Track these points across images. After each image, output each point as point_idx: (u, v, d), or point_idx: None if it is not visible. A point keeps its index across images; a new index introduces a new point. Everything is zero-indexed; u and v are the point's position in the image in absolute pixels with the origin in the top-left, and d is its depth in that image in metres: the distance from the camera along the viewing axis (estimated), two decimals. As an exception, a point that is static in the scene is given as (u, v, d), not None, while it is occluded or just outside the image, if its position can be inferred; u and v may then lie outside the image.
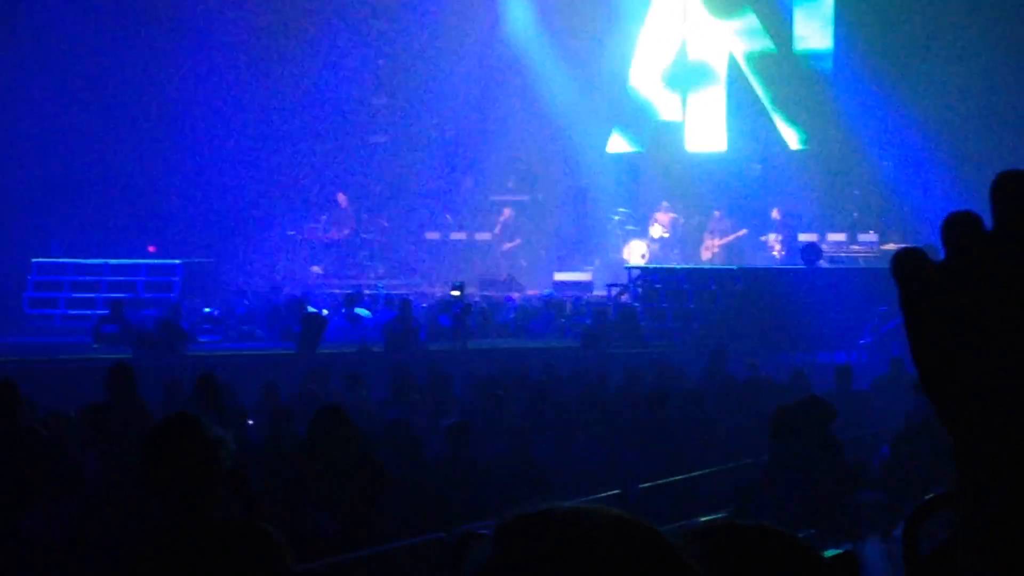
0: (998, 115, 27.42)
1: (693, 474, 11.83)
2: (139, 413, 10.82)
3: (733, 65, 30.50)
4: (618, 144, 31.25)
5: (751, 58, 30.36)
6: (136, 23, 28.62)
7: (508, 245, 29.47)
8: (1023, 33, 27.28)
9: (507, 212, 29.71)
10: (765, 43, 30.19)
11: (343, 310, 23.09)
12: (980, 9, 27.42)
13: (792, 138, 30.09)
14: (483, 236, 30.10)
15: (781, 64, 30.14)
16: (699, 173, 29.53)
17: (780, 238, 27.51)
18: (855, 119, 29.09)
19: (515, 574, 1.34)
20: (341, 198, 29.78)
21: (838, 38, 29.71)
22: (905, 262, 1.46)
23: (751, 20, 30.20)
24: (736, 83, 30.48)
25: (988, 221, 1.56)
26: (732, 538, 1.75)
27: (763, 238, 27.82)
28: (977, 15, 27.42)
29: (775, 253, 27.47)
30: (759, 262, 27.00)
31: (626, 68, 31.11)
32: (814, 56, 30.05)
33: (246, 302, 25.05)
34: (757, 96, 30.26)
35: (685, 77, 30.93)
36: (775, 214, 27.96)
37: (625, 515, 1.39)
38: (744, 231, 28.00)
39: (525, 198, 30.62)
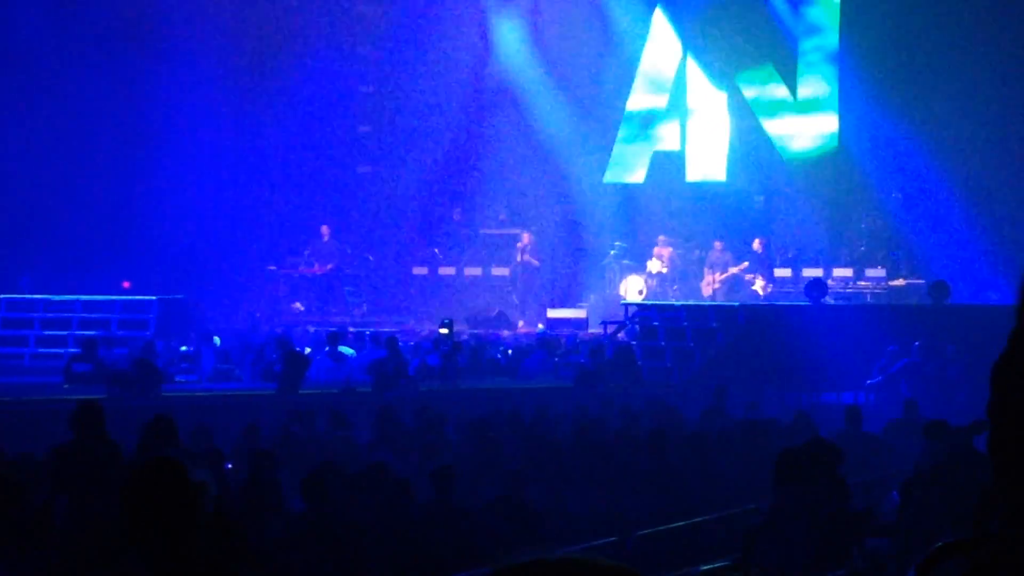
0: (1009, 148, 27.57)
1: (694, 520, 11.81)
2: (110, 456, 10.78)
3: (734, 93, 30.58)
4: (615, 174, 31.29)
5: (752, 81, 30.46)
6: (111, 50, 28.67)
7: (532, 260, 29.19)
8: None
9: (526, 238, 29.48)
10: (769, 72, 30.29)
11: (326, 348, 23.07)
12: (990, 41, 27.58)
13: (796, 168, 30.16)
14: (472, 271, 30.10)
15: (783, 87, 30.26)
16: (699, 204, 29.60)
17: (759, 276, 27.56)
18: (862, 150, 29.20)
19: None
20: (324, 231, 29.78)
21: (843, 68, 29.82)
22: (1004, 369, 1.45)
23: (753, 48, 30.30)
24: (738, 111, 30.57)
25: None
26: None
27: (748, 276, 27.81)
28: (987, 47, 27.58)
29: (758, 290, 27.46)
30: (761, 298, 27.06)
31: (624, 96, 31.17)
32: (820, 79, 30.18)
33: (225, 340, 25.01)
34: (759, 125, 30.35)
35: (685, 105, 31.01)
36: (756, 245, 28.03)
37: (621, 566, 1.39)
38: (746, 264, 28.05)
39: (517, 231, 30.64)
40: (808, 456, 9.31)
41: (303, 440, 14.83)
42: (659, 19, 31.00)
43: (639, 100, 31.18)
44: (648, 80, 31.14)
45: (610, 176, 31.25)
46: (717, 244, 28.30)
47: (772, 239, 28.34)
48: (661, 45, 31.04)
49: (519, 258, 29.38)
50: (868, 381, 21.14)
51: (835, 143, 29.89)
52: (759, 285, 27.61)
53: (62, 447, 11.27)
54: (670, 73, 31.01)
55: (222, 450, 13.02)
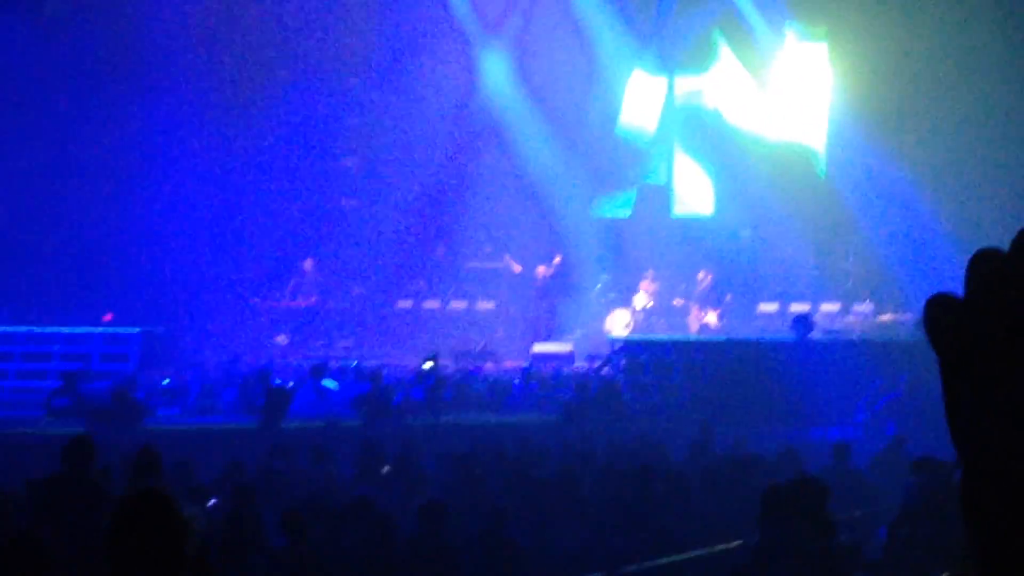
0: (998, 183, 27.67)
1: (680, 557, 11.78)
2: (94, 490, 10.75)
3: (721, 126, 30.67)
4: (602, 208, 31.32)
5: (738, 114, 30.58)
6: (93, 81, 28.70)
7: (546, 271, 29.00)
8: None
9: (541, 269, 29.22)
10: (755, 104, 30.41)
11: (309, 382, 23.03)
12: (977, 74, 27.72)
13: (784, 202, 30.21)
14: (457, 305, 30.09)
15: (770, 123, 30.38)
16: (686, 238, 29.64)
17: (714, 313, 27.58)
18: (850, 183, 29.29)
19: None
20: (308, 264, 29.76)
21: (833, 102, 29.94)
22: (934, 306, 1.47)
23: (741, 78, 30.42)
24: (724, 145, 30.65)
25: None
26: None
27: (696, 310, 27.86)
28: (974, 80, 27.73)
29: (709, 323, 27.46)
30: (749, 333, 27.06)
31: (610, 130, 31.24)
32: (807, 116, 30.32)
33: (207, 373, 24.95)
34: (746, 158, 30.41)
35: (672, 139, 31.09)
36: (702, 277, 28.01)
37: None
38: (728, 297, 28.08)
39: (502, 265, 30.63)
40: (794, 493, 9.30)
41: (285, 474, 14.79)
42: (645, 55, 31.11)
43: (626, 135, 31.25)
44: (634, 114, 31.21)
45: (596, 210, 31.29)
46: (700, 274, 28.29)
47: (721, 272, 28.34)
48: (647, 80, 31.13)
49: (540, 280, 29.01)
50: (856, 417, 21.13)
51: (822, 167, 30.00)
52: (712, 317, 27.66)
53: (45, 479, 11.23)
54: (656, 107, 31.10)
55: (204, 485, 12.98)
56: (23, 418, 21.56)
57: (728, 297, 28.05)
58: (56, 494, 10.88)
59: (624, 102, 31.22)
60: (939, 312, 1.21)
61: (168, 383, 23.95)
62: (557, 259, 28.92)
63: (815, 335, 24.77)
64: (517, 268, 29.36)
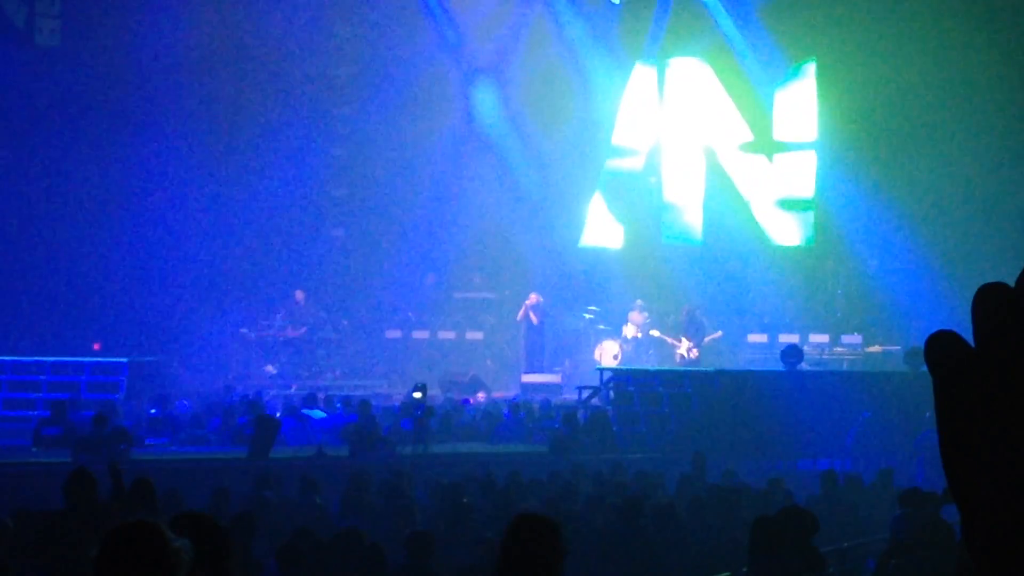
0: (986, 215, 27.76)
1: (668, 588, 11.78)
2: (87, 521, 10.73)
3: (711, 155, 30.78)
4: (591, 238, 31.38)
5: (729, 147, 30.68)
6: (83, 111, 28.75)
7: (533, 318, 28.85)
8: (1014, 130, 27.68)
9: (533, 297, 29.10)
10: (745, 135, 30.53)
11: (298, 412, 23.02)
12: (969, 105, 27.84)
13: (774, 233, 30.33)
14: (447, 334, 30.10)
15: (760, 154, 30.49)
16: (675, 269, 29.67)
17: (690, 344, 27.60)
18: (839, 215, 29.38)
19: None
20: (299, 295, 29.77)
21: (822, 132, 30.07)
22: (939, 345, 1.46)
23: (730, 110, 30.53)
24: (714, 174, 30.75)
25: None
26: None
27: (669, 340, 27.89)
28: (966, 112, 27.84)
29: (683, 353, 27.49)
30: (738, 364, 27.12)
31: (600, 159, 31.33)
32: (796, 148, 30.43)
33: (196, 403, 24.92)
34: (736, 188, 30.52)
35: (660, 169, 31.17)
36: (684, 312, 28.04)
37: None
38: (719, 333, 28.12)
39: (491, 295, 30.66)
40: (783, 524, 9.33)
41: (274, 505, 14.77)
42: (634, 85, 31.23)
43: (615, 163, 31.34)
44: (624, 144, 31.31)
45: (586, 240, 31.36)
46: (684, 307, 28.33)
47: (702, 304, 28.38)
48: (637, 110, 31.24)
49: (521, 315, 28.97)
50: (844, 448, 21.16)
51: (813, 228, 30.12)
52: (684, 347, 27.69)
53: (47, 513, 11.22)
54: (646, 137, 31.20)
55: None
56: (10, 447, 21.49)
57: (720, 333, 28.06)
58: (56, 528, 10.86)
59: (615, 131, 31.30)
60: (945, 349, 1.21)
61: (156, 412, 23.90)
62: (532, 298, 28.87)
63: (804, 366, 24.82)
64: (533, 298, 29.11)
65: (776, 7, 29.91)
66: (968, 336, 1.46)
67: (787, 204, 30.35)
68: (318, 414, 23.10)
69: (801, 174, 30.33)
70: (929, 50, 28.15)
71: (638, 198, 31.14)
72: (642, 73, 31.22)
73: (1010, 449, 1.38)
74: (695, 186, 30.94)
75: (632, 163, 31.30)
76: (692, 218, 30.92)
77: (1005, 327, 1.45)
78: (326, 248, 31.41)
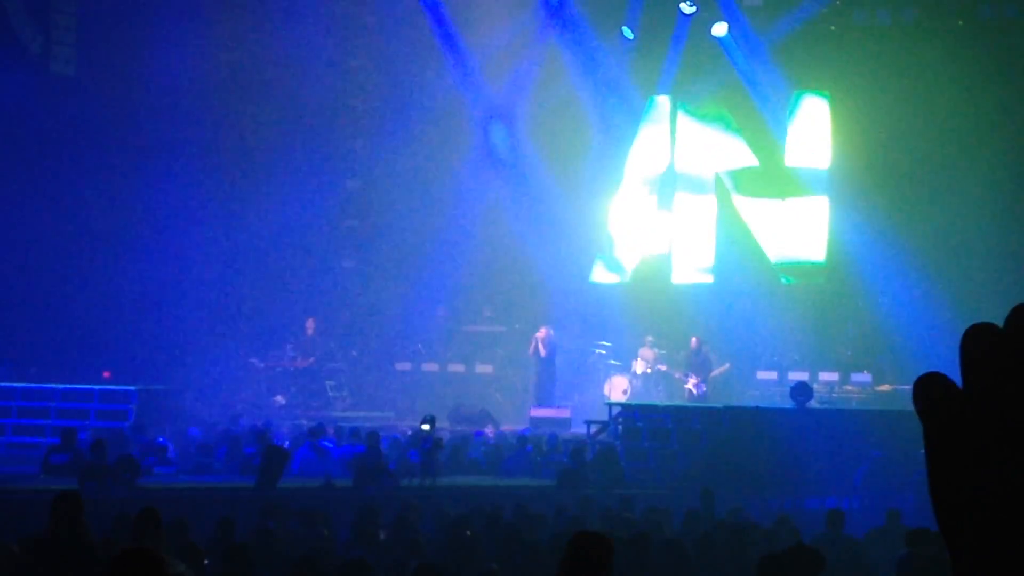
0: (999, 253, 27.74)
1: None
2: (86, 549, 10.71)
3: (723, 194, 30.79)
4: (602, 274, 31.40)
5: (740, 184, 30.69)
6: (96, 141, 28.84)
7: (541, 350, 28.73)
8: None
9: (543, 331, 29.04)
10: (757, 169, 30.55)
11: (306, 442, 22.99)
12: (982, 144, 27.86)
13: (784, 270, 30.33)
14: (456, 367, 30.09)
15: (772, 194, 30.50)
16: (685, 305, 29.66)
17: (695, 380, 27.61)
18: (850, 253, 29.36)
19: None
20: (309, 325, 29.78)
21: (834, 169, 30.09)
22: (927, 388, 1.46)
23: (741, 144, 30.56)
24: (725, 212, 30.75)
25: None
26: None
27: (676, 374, 27.93)
28: (978, 150, 27.86)
29: (691, 388, 27.55)
30: (747, 400, 27.06)
31: (611, 196, 31.37)
32: (808, 183, 30.42)
33: (204, 432, 24.91)
34: (747, 227, 30.51)
35: (672, 206, 31.19)
36: (693, 343, 28.07)
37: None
38: (727, 366, 28.12)
39: (501, 328, 30.64)
40: (790, 563, 9.30)
41: (280, 535, 14.75)
42: (650, 119, 31.28)
43: (627, 201, 31.35)
44: (636, 182, 31.33)
45: (596, 276, 31.36)
46: (693, 339, 28.31)
47: (712, 340, 28.40)
48: (650, 147, 31.28)
49: (532, 349, 28.90)
50: (853, 487, 21.09)
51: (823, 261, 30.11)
52: (692, 383, 27.71)
53: (38, 538, 11.18)
54: (658, 175, 31.22)
55: (197, 545, 12.93)
56: (19, 474, 21.47)
57: (727, 366, 28.06)
58: (48, 554, 10.82)
59: (627, 166, 31.34)
60: (931, 392, 1.21)
61: (164, 441, 23.89)
62: (542, 332, 28.79)
63: (813, 404, 24.77)
64: (543, 332, 28.98)
65: (788, 44, 29.95)
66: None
67: (797, 266, 30.36)
68: (327, 445, 23.08)
69: (813, 221, 30.26)
70: (942, 88, 28.18)
71: (649, 234, 31.15)
72: (657, 107, 31.28)
73: (996, 490, 1.38)
74: (706, 223, 30.93)
75: (644, 199, 31.30)
76: (703, 256, 30.91)
77: (993, 368, 1.45)
78: (337, 279, 31.46)
